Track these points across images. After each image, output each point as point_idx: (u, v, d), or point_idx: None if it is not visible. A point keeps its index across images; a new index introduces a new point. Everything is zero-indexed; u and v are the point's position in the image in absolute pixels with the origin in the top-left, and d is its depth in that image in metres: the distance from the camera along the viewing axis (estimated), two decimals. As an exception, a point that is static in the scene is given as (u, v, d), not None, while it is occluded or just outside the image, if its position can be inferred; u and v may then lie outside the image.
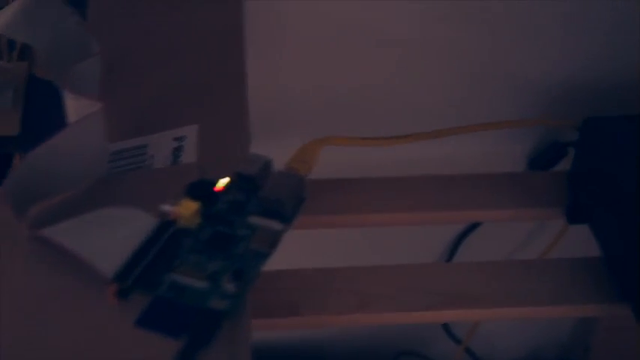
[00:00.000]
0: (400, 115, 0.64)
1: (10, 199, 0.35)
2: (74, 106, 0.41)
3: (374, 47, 0.61)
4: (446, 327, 0.81)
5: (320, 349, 0.86)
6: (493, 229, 0.73)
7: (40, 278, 0.35)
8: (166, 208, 0.37)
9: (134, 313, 0.33)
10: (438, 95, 0.65)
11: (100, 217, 0.36)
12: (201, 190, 0.38)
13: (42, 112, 0.47)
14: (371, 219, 0.62)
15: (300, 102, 0.63)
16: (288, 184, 0.38)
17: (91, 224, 0.35)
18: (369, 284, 0.57)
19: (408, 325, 0.85)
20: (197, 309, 0.33)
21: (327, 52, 0.61)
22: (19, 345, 0.32)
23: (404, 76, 0.64)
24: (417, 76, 0.64)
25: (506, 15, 0.61)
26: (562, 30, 0.62)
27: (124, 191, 0.40)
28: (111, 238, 0.34)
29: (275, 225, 0.37)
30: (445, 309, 0.55)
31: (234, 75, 0.48)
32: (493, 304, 0.58)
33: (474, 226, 0.74)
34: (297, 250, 0.49)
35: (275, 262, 0.35)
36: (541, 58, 0.64)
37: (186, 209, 0.36)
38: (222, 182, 0.39)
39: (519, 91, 0.65)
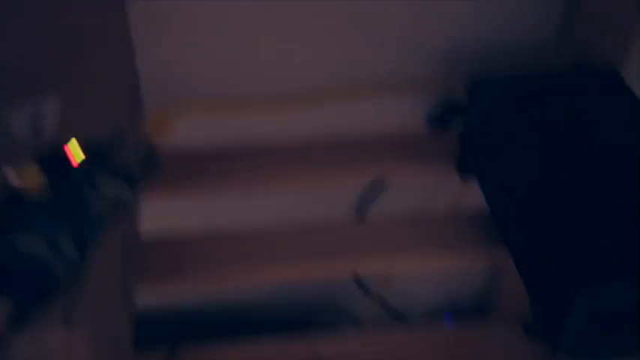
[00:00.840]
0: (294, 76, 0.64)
1: None
2: None
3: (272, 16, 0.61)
4: (359, 282, 0.82)
5: (242, 309, 0.87)
6: (395, 191, 0.74)
7: None
8: (3, 174, 0.37)
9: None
10: (336, 56, 0.65)
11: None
12: (48, 156, 0.38)
13: None
14: (275, 185, 0.64)
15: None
16: (141, 150, 0.38)
17: None
18: (273, 244, 0.60)
19: (322, 282, 0.86)
20: (38, 273, 0.34)
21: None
22: None
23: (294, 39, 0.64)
24: (319, 38, 0.64)
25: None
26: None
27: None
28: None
29: (124, 192, 0.37)
30: (351, 263, 0.58)
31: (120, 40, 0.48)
32: (396, 258, 0.60)
33: (378, 187, 0.75)
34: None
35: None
36: (434, 21, 0.64)
37: (29, 176, 0.37)
38: (71, 148, 0.39)
39: (413, 52, 0.66)
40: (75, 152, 0.39)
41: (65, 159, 0.39)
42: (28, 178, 0.36)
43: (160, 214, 0.52)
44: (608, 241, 0.43)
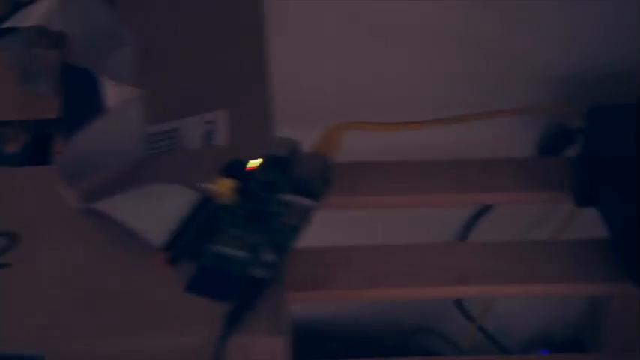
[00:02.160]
0: (412, 102, 0.66)
1: (63, 176, 0.38)
2: (113, 92, 0.43)
3: (387, 37, 0.63)
4: (459, 305, 0.84)
5: (335, 326, 0.89)
6: (504, 213, 0.76)
7: (90, 250, 0.38)
8: (204, 185, 0.39)
9: (182, 281, 0.36)
10: (449, 83, 0.67)
11: (146, 193, 0.39)
12: (235, 169, 0.41)
13: (78, 97, 0.49)
14: (386, 201, 0.65)
15: (316, 91, 0.66)
16: (316, 165, 0.41)
17: (138, 199, 0.38)
18: (382, 262, 0.60)
19: (422, 303, 0.87)
20: (240, 277, 0.36)
21: (341, 42, 0.63)
22: (75, 313, 0.35)
23: (415, 65, 0.66)
24: (428, 65, 0.67)
25: (516, 3, 0.64)
26: (569, 19, 0.65)
27: (161, 171, 0.43)
28: (157, 211, 0.37)
29: (306, 202, 0.39)
30: (456, 285, 0.58)
31: (258, 65, 0.51)
32: (503, 282, 0.60)
33: (485, 209, 0.77)
34: (317, 229, 0.52)
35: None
36: (548, 46, 0.66)
37: (223, 187, 0.39)
38: (254, 163, 0.41)
39: (528, 78, 0.68)
40: (256, 164, 0.41)
41: (248, 171, 0.41)
42: (222, 190, 0.39)
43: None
44: None
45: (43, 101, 0.48)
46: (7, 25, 0.46)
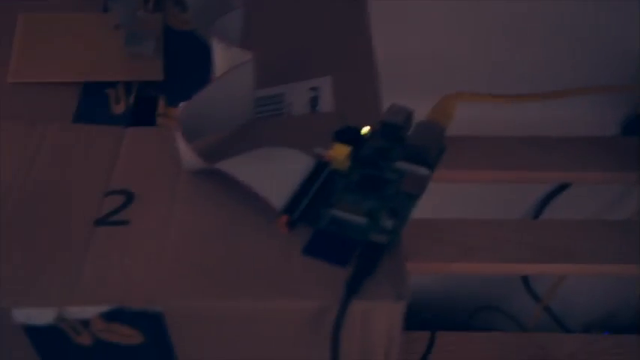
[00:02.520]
0: (504, 79, 0.66)
1: (183, 134, 0.38)
2: (224, 55, 0.43)
3: (484, 17, 0.63)
4: (526, 284, 0.84)
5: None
6: (581, 192, 0.75)
7: (205, 211, 0.38)
8: (320, 150, 0.39)
9: (299, 244, 0.36)
10: (541, 60, 0.66)
11: (265, 155, 0.39)
12: (348, 135, 0.41)
13: (181, 60, 0.49)
14: (468, 175, 0.65)
15: (417, 63, 0.66)
16: (431, 133, 0.40)
17: (257, 161, 0.38)
18: (470, 236, 0.60)
19: (490, 281, 0.87)
20: (360, 241, 0.36)
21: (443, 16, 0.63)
22: (195, 273, 0.35)
23: (511, 42, 0.66)
24: (521, 42, 0.66)
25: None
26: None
27: (272, 134, 0.43)
28: (277, 173, 0.37)
29: (421, 170, 0.39)
30: (539, 262, 0.58)
31: (361, 32, 0.51)
32: (585, 260, 0.60)
33: (562, 187, 0.76)
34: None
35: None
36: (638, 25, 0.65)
37: (339, 152, 0.39)
38: (368, 129, 0.41)
39: (616, 57, 0.67)
40: (368, 131, 0.41)
41: (361, 137, 0.41)
42: (337, 156, 0.39)
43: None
44: None
45: (147, 63, 0.48)
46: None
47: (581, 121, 0.71)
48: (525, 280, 0.85)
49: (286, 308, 0.35)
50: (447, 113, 0.41)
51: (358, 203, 0.37)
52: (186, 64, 0.49)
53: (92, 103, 0.46)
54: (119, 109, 0.46)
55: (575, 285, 0.82)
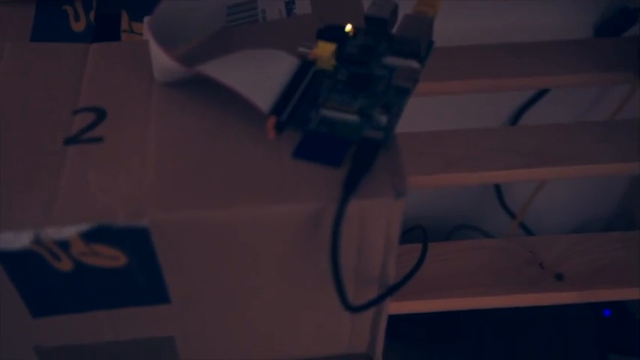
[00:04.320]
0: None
1: (157, 40, 0.35)
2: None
3: None
4: (501, 200, 0.83)
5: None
6: (558, 97, 0.74)
7: (185, 121, 0.36)
8: (304, 50, 0.37)
9: (289, 147, 0.34)
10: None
11: (247, 57, 0.36)
12: (332, 33, 0.38)
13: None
14: (444, 86, 0.63)
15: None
16: (419, 26, 0.38)
17: (240, 62, 0.36)
18: (451, 147, 0.58)
19: (465, 199, 0.86)
20: (353, 140, 0.34)
21: None
22: (182, 184, 0.33)
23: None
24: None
25: None
26: None
27: (249, 39, 0.40)
28: (262, 75, 0.35)
29: (411, 63, 0.37)
30: (526, 168, 0.56)
31: None
32: (574, 163, 0.58)
33: (539, 95, 0.75)
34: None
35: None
36: None
37: (324, 50, 0.36)
38: (349, 27, 0.39)
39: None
40: (351, 28, 0.39)
41: (345, 34, 0.38)
42: (322, 54, 0.36)
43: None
44: None
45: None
46: None
47: (554, 26, 0.69)
48: (500, 197, 0.84)
49: (281, 213, 0.32)
50: (434, 4, 0.39)
51: (347, 103, 0.35)
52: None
53: (49, 21, 0.43)
54: (79, 26, 0.43)
55: (547, 199, 0.81)
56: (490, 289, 0.49)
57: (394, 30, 0.39)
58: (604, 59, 0.65)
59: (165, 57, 0.35)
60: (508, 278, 0.50)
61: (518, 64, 0.64)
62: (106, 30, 0.44)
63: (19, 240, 0.31)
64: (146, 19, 0.44)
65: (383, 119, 0.34)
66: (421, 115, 0.67)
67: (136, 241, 0.32)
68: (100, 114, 0.36)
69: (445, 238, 0.90)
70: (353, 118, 0.34)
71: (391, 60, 0.37)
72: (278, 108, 0.34)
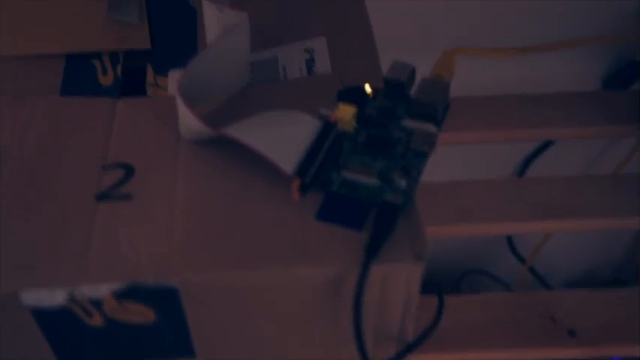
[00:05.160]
0: (491, 34, 0.65)
1: (185, 101, 0.36)
2: (215, 18, 0.42)
3: None
4: (511, 245, 0.84)
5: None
6: (566, 147, 0.75)
7: (210, 180, 0.37)
8: (325, 111, 0.38)
9: (311, 209, 0.35)
10: (522, 12, 0.66)
11: (271, 119, 0.37)
12: (352, 95, 0.40)
13: (165, 25, 0.48)
14: (453, 137, 0.64)
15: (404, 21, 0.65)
16: (436, 89, 0.39)
17: (263, 125, 0.37)
18: (462, 197, 0.59)
19: (475, 244, 0.87)
20: (373, 203, 0.35)
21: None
22: (209, 244, 0.34)
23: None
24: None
25: None
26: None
27: (271, 99, 0.42)
28: (285, 137, 0.36)
29: (429, 127, 0.38)
30: (539, 220, 0.57)
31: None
32: (582, 216, 0.60)
33: (545, 145, 0.76)
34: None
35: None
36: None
37: (345, 113, 0.38)
38: (370, 88, 0.40)
39: (595, 9, 0.66)
40: (371, 90, 0.40)
41: (364, 96, 0.40)
42: (343, 117, 0.38)
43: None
44: None
45: (132, 31, 0.46)
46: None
47: (562, 78, 0.70)
48: (510, 241, 0.85)
49: (305, 276, 0.34)
50: (449, 68, 0.41)
51: (368, 164, 0.36)
52: (171, 30, 0.47)
53: (78, 74, 0.44)
54: (107, 80, 0.45)
55: (557, 244, 0.82)
56: (504, 343, 0.50)
57: (412, 92, 0.40)
58: (611, 111, 0.66)
59: (193, 118, 0.36)
60: (522, 332, 0.51)
61: (526, 116, 0.66)
62: (132, 83, 0.45)
63: (54, 298, 0.32)
64: (171, 73, 0.45)
65: (402, 183, 0.35)
66: (429, 163, 0.69)
67: (165, 300, 0.33)
68: (129, 170, 0.38)
69: (455, 284, 0.90)
70: (373, 181, 0.36)
71: (409, 123, 0.39)
72: (302, 170, 0.36)
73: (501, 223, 0.56)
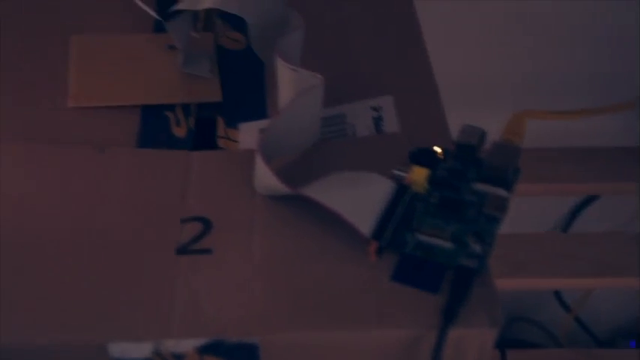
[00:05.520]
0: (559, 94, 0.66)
1: (264, 158, 0.38)
2: (290, 77, 0.43)
3: (539, 34, 0.63)
4: (557, 294, 0.84)
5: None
6: (609, 202, 0.75)
7: (286, 236, 0.38)
8: (399, 173, 0.39)
9: (385, 269, 0.36)
10: (584, 74, 0.67)
11: (346, 179, 0.39)
12: (423, 157, 0.41)
13: (234, 79, 0.49)
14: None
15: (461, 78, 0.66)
16: (507, 154, 0.40)
17: (340, 185, 0.38)
18: (513, 250, 0.60)
19: (520, 291, 0.87)
20: (449, 266, 0.36)
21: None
22: (288, 303, 0.35)
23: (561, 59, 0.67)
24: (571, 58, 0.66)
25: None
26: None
27: (343, 156, 0.43)
28: (361, 198, 0.37)
29: (500, 192, 0.39)
30: (590, 277, 0.58)
31: (417, 51, 0.51)
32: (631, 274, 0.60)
33: (591, 199, 0.77)
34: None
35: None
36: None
37: (419, 176, 0.39)
38: (441, 150, 0.41)
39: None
40: (443, 152, 0.41)
41: (436, 158, 0.41)
42: (417, 179, 0.39)
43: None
44: None
45: (204, 84, 0.48)
46: (179, 7, 0.46)
47: (604, 133, 0.71)
48: (556, 290, 0.85)
49: (380, 337, 0.34)
50: (519, 132, 0.41)
51: (441, 227, 0.37)
52: (240, 84, 0.49)
53: (153, 125, 0.46)
54: (180, 131, 0.46)
55: (604, 294, 0.82)
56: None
57: (482, 155, 0.41)
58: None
59: (273, 178, 0.38)
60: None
61: (572, 170, 0.67)
62: (203, 135, 0.46)
63: (139, 351, 0.33)
64: (241, 126, 0.46)
65: (477, 248, 0.36)
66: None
67: (245, 355, 0.34)
68: (207, 224, 0.39)
69: (502, 331, 0.90)
70: (448, 244, 0.37)
71: (480, 186, 0.39)
72: (378, 232, 0.37)
73: (555, 279, 0.57)
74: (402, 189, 0.39)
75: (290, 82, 0.43)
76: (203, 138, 0.46)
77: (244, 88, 0.49)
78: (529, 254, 0.59)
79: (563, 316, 0.85)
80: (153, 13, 0.50)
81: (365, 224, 0.36)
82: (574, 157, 0.68)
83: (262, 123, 0.46)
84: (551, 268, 0.58)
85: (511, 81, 0.67)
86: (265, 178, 0.38)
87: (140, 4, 0.51)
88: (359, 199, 0.37)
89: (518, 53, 0.66)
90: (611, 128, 0.71)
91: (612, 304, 0.89)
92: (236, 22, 0.50)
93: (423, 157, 0.41)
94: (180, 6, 0.46)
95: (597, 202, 0.77)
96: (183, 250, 0.38)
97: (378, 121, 0.46)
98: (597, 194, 0.75)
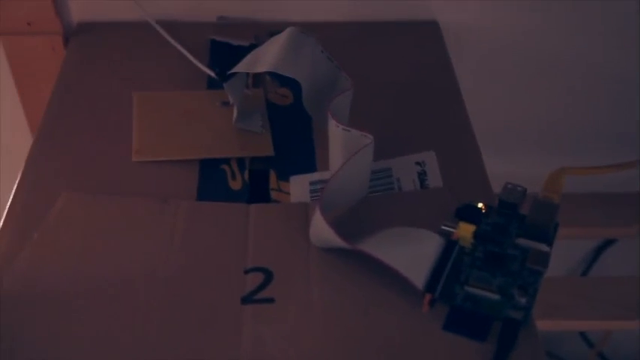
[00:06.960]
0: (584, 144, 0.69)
1: (324, 214, 0.41)
2: (343, 136, 0.46)
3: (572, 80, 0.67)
4: (581, 332, 0.86)
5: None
6: (628, 245, 0.78)
7: (342, 288, 0.41)
8: (447, 229, 0.42)
9: (437, 318, 0.39)
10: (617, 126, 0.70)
11: (399, 235, 0.42)
12: (468, 213, 0.44)
13: (283, 133, 0.52)
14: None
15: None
16: (547, 211, 0.43)
17: (393, 240, 0.41)
18: (547, 294, 0.63)
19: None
20: (497, 316, 0.39)
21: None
22: (343, 345, 0.38)
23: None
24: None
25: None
26: None
27: (390, 210, 0.46)
28: (414, 253, 0.40)
29: (542, 247, 0.42)
30: (622, 320, 0.61)
31: (456, 106, 0.54)
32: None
33: (610, 242, 0.80)
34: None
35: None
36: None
37: (466, 231, 0.42)
38: (482, 205, 0.44)
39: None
40: (486, 208, 0.44)
41: (479, 212, 0.44)
42: (464, 235, 0.42)
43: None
44: None
45: (257, 139, 0.51)
46: (237, 69, 0.49)
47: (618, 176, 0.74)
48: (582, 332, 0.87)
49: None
50: (557, 190, 0.44)
51: (488, 280, 0.40)
52: (290, 138, 0.52)
53: (211, 179, 0.49)
54: (236, 185, 0.49)
55: (626, 331, 0.84)
56: None
57: (527, 213, 0.44)
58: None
59: (331, 232, 0.41)
60: None
61: (590, 214, 0.69)
62: (257, 187, 0.49)
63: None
64: (292, 179, 0.49)
65: (522, 300, 0.39)
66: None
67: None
68: (268, 275, 0.42)
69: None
70: (495, 296, 0.39)
71: (523, 241, 0.42)
72: (431, 285, 0.39)
73: (586, 322, 0.59)
74: (451, 244, 0.42)
75: (342, 140, 0.46)
76: (257, 190, 0.49)
77: (294, 142, 0.52)
78: (555, 297, 0.62)
79: (587, 352, 0.87)
80: (211, 73, 0.53)
81: (419, 278, 0.39)
82: (592, 201, 0.71)
83: (312, 176, 0.49)
84: (576, 310, 0.60)
85: (539, 128, 0.70)
86: (323, 233, 0.41)
87: (200, 65, 0.54)
88: (412, 254, 0.40)
89: (543, 103, 0.69)
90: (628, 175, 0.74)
91: (634, 340, 0.91)
92: (283, 79, 0.53)
93: (468, 212, 0.44)
94: (238, 69, 0.50)
95: (615, 245, 0.79)
96: (247, 300, 0.41)
97: (422, 176, 0.49)
98: (616, 238, 0.78)
